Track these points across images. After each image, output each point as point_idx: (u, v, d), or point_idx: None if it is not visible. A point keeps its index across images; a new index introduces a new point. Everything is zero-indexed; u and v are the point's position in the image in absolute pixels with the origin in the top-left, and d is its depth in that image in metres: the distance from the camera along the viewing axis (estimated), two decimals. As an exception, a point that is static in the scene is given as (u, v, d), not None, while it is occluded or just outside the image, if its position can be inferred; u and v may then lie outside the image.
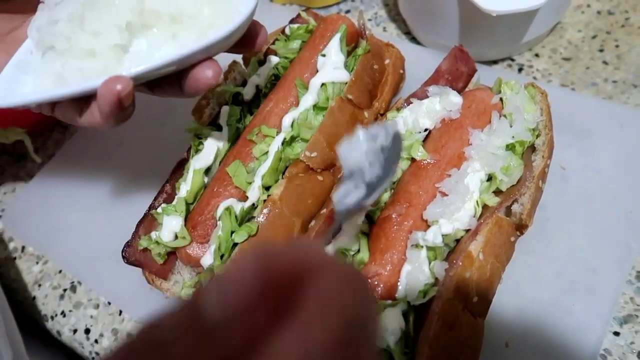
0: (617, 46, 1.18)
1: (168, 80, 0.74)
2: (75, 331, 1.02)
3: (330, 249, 0.79)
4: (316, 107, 0.95)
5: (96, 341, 1.00)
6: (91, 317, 1.03)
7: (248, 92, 1.02)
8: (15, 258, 1.15)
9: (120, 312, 1.02)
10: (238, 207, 0.87)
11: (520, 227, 0.82)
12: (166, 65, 0.68)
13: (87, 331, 1.01)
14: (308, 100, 0.94)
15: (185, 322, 0.32)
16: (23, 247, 1.16)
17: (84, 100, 0.71)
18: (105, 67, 0.70)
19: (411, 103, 0.92)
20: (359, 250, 0.80)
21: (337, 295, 0.33)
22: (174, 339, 0.31)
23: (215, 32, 0.70)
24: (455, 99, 0.88)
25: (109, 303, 1.03)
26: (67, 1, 0.72)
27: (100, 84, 0.65)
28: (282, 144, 0.90)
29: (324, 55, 0.98)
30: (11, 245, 1.17)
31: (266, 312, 0.32)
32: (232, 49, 0.77)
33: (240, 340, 0.31)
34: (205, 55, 0.72)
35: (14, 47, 0.77)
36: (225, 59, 1.09)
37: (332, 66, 0.96)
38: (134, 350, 0.31)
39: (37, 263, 1.13)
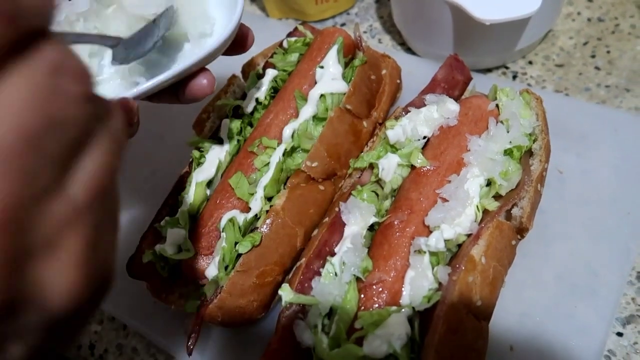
0: (608, 52, 1.20)
1: (164, 90, 0.77)
2: (79, 347, 1.02)
3: (337, 260, 0.80)
4: (316, 118, 0.96)
5: (101, 357, 1.00)
6: (95, 332, 1.02)
7: (248, 105, 1.03)
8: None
9: (125, 326, 1.02)
10: (241, 218, 0.87)
11: (521, 231, 0.83)
12: (165, 81, 0.71)
13: (92, 347, 1.01)
14: (307, 111, 0.96)
15: None
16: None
17: None
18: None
19: (409, 112, 0.93)
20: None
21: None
22: None
23: (209, 42, 0.73)
24: (452, 107, 0.90)
25: (113, 318, 1.03)
26: None
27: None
28: (283, 154, 0.92)
29: (322, 67, 1.00)
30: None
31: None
32: (225, 53, 0.80)
33: None
34: (200, 66, 0.75)
35: None
36: (224, 73, 1.11)
37: (330, 77, 0.98)
38: None
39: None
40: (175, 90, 0.77)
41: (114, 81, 0.80)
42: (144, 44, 0.76)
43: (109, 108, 0.35)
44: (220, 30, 0.75)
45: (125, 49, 0.74)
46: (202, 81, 0.74)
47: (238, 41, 0.80)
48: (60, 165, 0.31)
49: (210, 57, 0.73)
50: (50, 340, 0.34)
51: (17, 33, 0.29)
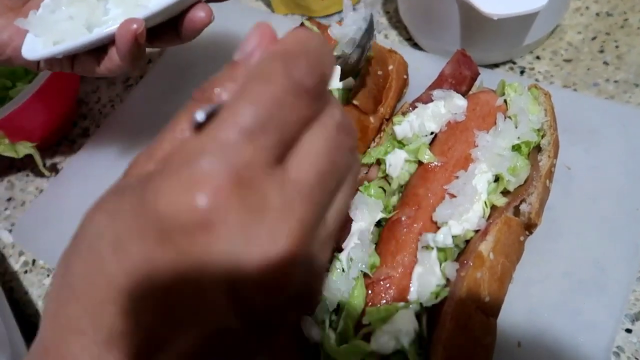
0: (617, 47, 1.19)
1: (165, 30, 0.80)
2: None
3: (344, 256, 0.80)
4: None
5: (109, 352, 1.00)
6: (103, 328, 1.03)
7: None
8: (26, 272, 1.16)
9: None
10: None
11: (529, 227, 0.82)
12: (166, 9, 0.74)
13: (100, 342, 1.01)
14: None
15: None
16: (34, 261, 1.17)
17: (101, 49, 0.79)
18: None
19: (416, 107, 0.93)
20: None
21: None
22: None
23: None
24: (460, 102, 0.90)
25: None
26: None
27: (118, 26, 0.73)
28: (290, 150, 0.91)
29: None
30: (21, 259, 1.18)
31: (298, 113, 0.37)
32: None
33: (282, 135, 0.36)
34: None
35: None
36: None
37: (337, 73, 0.98)
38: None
39: (48, 276, 1.14)
40: (175, 28, 0.80)
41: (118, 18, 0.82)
42: None
43: (357, 155, 0.44)
44: None
45: None
46: (199, 13, 0.77)
47: None
48: (330, 200, 0.39)
49: None
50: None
51: (323, 99, 0.39)
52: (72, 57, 0.83)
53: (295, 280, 0.36)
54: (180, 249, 0.33)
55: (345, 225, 0.84)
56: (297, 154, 0.37)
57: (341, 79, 0.90)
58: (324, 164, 0.37)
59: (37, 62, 0.86)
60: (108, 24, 0.75)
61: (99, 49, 0.80)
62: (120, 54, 0.76)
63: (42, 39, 0.81)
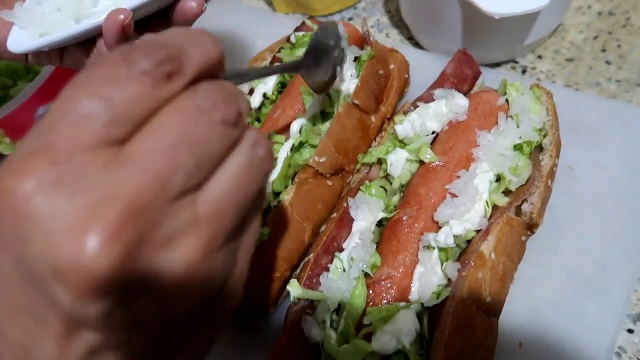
0: (619, 46, 1.19)
1: (157, 21, 0.79)
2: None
3: (345, 256, 0.80)
4: (323, 114, 0.96)
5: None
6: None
7: (256, 100, 1.03)
8: (27, 271, 1.16)
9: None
10: (249, 213, 0.87)
11: (531, 227, 0.82)
12: (148, 3, 0.73)
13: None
14: (315, 106, 0.95)
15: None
16: (34, 260, 1.17)
17: (90, 42, 0.78)
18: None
19: (418, 107, 0.93)
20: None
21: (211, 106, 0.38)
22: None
23: None
24: (461, 102, 0.89)
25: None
26: None
27: (105, 18, 0.71)
28: (291, 150, 0.91)
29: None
30: (23, 258, 1.18)
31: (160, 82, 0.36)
32: None
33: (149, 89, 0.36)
34: None
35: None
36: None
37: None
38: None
39: (49, 275, 1.13)
40: (167, 18, 0.79)
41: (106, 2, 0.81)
42: None
43: (255, 137, 0.41)
44: None
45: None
46: (190, 3, 0.76)
47: None
48: (192, 178, 0.36)
49: None
50: (171, 339, 0.41)
51: (180, 87, 0.38)
52: (62, 50, 0.82)
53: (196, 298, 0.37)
54: None
55: (345, 224, 0.84)
56: (140, 134, 0.36)
57: (318, 93, 0.88)
58: (171, 137, 0.36)
59: (26, 56, 0.84)
60: (97, 16, 0.74)
61: (88, 42, 0.78)
62: (109, 45, 0.75)
63: (29, 32, 0.78)
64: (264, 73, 0.85)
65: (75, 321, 0.34)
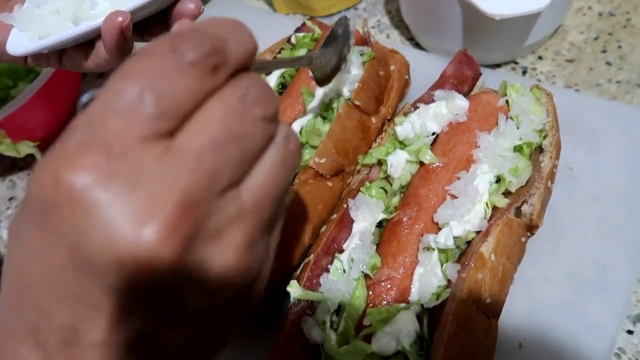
0: (619, 47, 1.19)
1: (155, 23, 0.79)
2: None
3: (345, 257, 0.80)
4: (323, 114, 0.96)
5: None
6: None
7: (256, 101, 1.03)
8: (27, 271, 1.16)
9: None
10: (249, 214, 0.87)
11: (531, 228, 0.82)
12: (144, 5, 0.73)
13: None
14: (315, 107, 0.95)
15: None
16: (35, 260, 1.17)
17: (89, 44, 0.78)
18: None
19: (418, 108, 0.93)
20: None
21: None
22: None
23: None
24: (461, 103, 0.89)
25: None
26: None
27: (103, 20, 0.72)
28: (291, 151, 0.91)
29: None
30: (23, 258, 1.18)
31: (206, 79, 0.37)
32: None
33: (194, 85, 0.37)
34: None
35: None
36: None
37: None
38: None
39: (50, 275, 1.14)
40: (165, 21, 0.79)
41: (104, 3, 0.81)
42: None
43: (287, 132, 0.43)
44: None
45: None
46: (188, 5, 0.76)
47: None
48: (236, 171, 0.38)
49: None
50: (206, 332, 0.42)
51: (222, 74, 0.38)
52: (60, 52, 0.82)
53: (184, 263, 0.35)
54: (54, 229, 0.33)
55: (345, 225, 0.84)
56: (189, 127, 0.36)
57: (320, 85, 0.89)
58: (219, 132, 0.36)
59: (25, 58, 0.84)
60: (96, 18, 0.74)
61: (86, 44, 0.79)
62: (107, 47, 0.75)
63: (28, 34, 0.79)
64: (284, 63, 0.86)
65: (128, 308, 0.35)
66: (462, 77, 0.97)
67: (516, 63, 1.22)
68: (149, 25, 0.80)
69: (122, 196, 0.32)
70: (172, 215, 0.33)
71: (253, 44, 0.42)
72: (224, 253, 0.37)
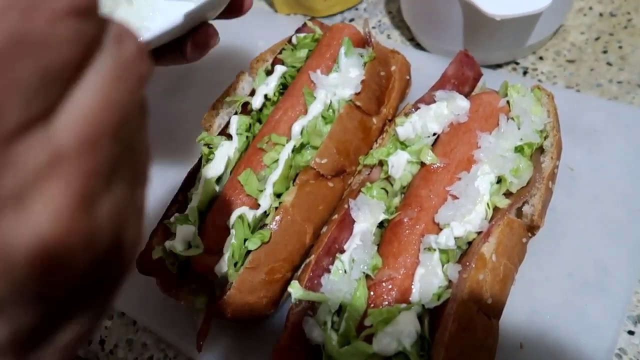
0: (620, 47, 1.19)
1: (170, 49, 0.79)
2: (89, 342, 1.02)
3: (346, 257, 0.80)
4: (324, 115, 0.96)
5: (111, 352, 1.00)
6: (105, 327, 1.03)
7: (257, 102, 1.03)
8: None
9: (135, 322, 1.02)
10: (250, 215, 0.88)
11: (532, 228, 0.82)
12: (167, 31, 0.72)
13: (102, 342, 1.02)
14: (316, 107, 0.95)
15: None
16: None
17: None
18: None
19: (419, 108, 0.93)
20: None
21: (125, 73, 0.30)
22: None
23: None
24: (462, 103, 0.89)
25: (123, 314, 1.04)
26: None
27: None
28: (292, 151, 0.92)
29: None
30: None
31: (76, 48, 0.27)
32: (220, 16, 0.82)
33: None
34: (201, 18, 0.76)
35: None
36: (233, 70, 1.11)
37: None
38: None
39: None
40: (180, 47, 0.78)
41: None
42: None
43: (118, 30, 0.31)
44: None
45: None
46: (205, 34, 0.76)
47: (235, 3, 0.82)
48: (35, 97, 0.26)
49: (209, 6, 0.74)
50: (61, 311, 0.31)
51: (88, 30, 0.28)
52: None
53: (76, 261, 0.27)
54: None
55: (346, 225, 0.84)
56: (65, 110, 0.27)
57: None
58: (100, 121, 0.28)
59: None
60: None
61: None
62: None
63: None
64: None
65: None
66: (463, 78, 0.97)
67: (517, 63, 1.22)
68: (164, 50, 0.78)
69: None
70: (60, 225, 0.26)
71: None
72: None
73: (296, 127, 0.93)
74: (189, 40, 0.76)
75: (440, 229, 0.78)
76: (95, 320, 0.34)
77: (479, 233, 0.78)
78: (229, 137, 1.00)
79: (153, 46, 0.74)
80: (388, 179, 0.90)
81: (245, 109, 1.04)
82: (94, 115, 0.28)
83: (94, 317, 0.34)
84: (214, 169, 0.95)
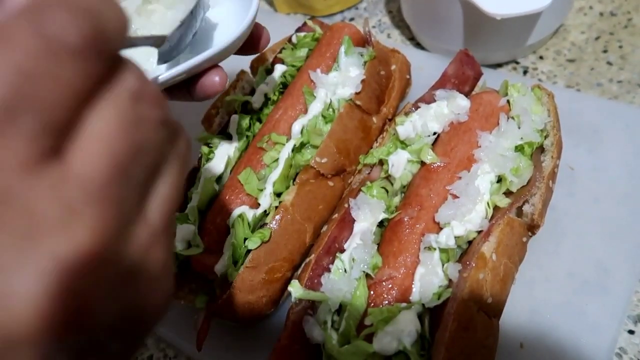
0: (620, 47, 1.19)
1: (179, 87, 0.77)
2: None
3: (346, 256, 0.80)
4: (324, 114, 0.96)
5: (111, 351, 1.00)
6: (105, 327, 1.03)
7: (257, 101, 1.03)
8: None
9: (134, 321, 1.02)
10: (250, 214, 0.87)
11: (532, 228, 0.82)
12: (177, 75, 0.71)
13: (102, 341, 1.02)
14: (317, 107, 0.95)
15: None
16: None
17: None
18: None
19: (419, 107, 0.93)
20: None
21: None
22: None
23: (221, 40, 0.73)
24: (462, 103, 0.89)
25: (123, 313, 1.03)
26: None
27: None
28: (292, 150, 0.91)
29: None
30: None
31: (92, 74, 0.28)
32: (237, 52, 0.80)
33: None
34: (212, 62, 0.74)
35: None
36: (233, 68, 1.11)
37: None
38: None
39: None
40: (187, 86, 0.77)
41: None
42: (185, 38, 0.75)
43: (178, 128, 0.35)
44: (234, 28, 0.75)
45: (170, 47, 0.72)
46: (214, 78, 0.74)
47: (251, 41, 0.80)
48: (141, 191, 0.30)
49: (222, 54, 0.73)
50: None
51: (105, 63, 0.29)
52: None
53: (106, 307, 0.28)
54: None
55: (346, 225, 0.84)
56: (79, 141, 0.27)
57: (159, 62, 0.77)
58: (120, 148, 0.28)
59: None
60: None
61: None
62: None
63: None
64: (139, 39, 0.73)
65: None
66: (463, 77, 0.97)
67: (517, 63, 1.22)
68: (171, 88, 0.77)
69: (11, 258, 0.24)
70: (82, 270, 0.25)
71: (125, 17, 0.31)
72: (153, 291, 0.31)
73: (296, 126, 0.93)
74: (197, 82, 0.75)
75: (441, 228, 0.77)
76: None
77: (479, 232, 0.78)
78: (229, 136, 1.00)
79: (162, 86, 0.73)
80: (388, 178, 0.90)
81: (246, 108, 1.04)
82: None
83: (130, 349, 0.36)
84: (213, 169, 0.95)
